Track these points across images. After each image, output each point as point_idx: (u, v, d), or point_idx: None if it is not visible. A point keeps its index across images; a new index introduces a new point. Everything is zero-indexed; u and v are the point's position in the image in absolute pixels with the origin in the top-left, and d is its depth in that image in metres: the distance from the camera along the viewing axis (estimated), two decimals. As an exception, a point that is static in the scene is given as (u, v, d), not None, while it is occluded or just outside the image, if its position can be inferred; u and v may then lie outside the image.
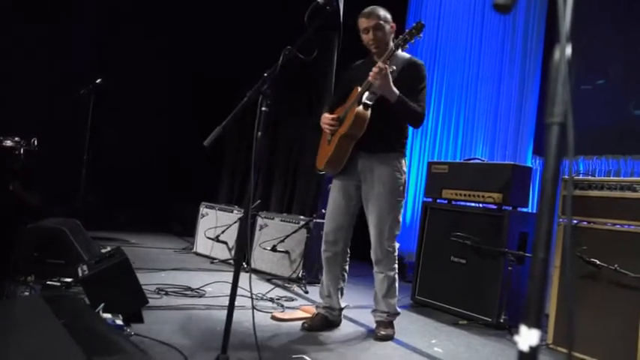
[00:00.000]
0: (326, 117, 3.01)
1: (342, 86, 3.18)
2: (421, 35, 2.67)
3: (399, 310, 3.05)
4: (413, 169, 5.72)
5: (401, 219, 2.99)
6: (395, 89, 2.75)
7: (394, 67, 2.84)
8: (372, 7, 2.92)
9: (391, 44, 2.89)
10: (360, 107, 2.79)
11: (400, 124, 2.98)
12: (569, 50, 0.86)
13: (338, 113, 3.01)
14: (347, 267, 3.13)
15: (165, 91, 6.71)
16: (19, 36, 5.56)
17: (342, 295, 3.11)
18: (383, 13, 2.90)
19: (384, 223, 2.89)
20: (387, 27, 2.91)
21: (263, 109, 2.11)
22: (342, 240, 3.03)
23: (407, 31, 2.69)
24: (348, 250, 3.10)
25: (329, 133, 2.99)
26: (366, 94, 2.80)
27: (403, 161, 2.99)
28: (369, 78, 2.72)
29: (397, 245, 2.99)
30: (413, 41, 2.69)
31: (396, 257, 2.99)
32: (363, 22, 2.90)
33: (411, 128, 3.09)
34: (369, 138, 2.81)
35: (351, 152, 2.90)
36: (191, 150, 4.59)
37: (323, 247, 3.07)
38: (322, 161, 3.03)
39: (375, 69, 2.70)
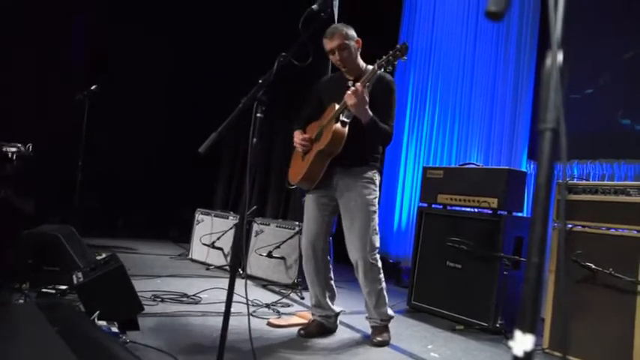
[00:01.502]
0: (298, 136, 3.01)
1: (312, 101, 3.16)
2: (405, 58, 2.64)
3: (392, 313, 3.05)
4: (408, 174, 5.73)
5: (378, 231, 2.97)
6: (369, 111, 2.74)
7: (367, 83, 2.84)
8: (334, 26, 2.90)
9: (362, 63, 2.94)
10: (338, 124, 2.78)
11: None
12: (560, 57, 0.87)
13: (312, 129, 3.01)
14: (332, 274, 3.12)
15: (161, 96, 6.72)
16: (14, 37, 5.55)
17: (333, 300, 3.11)
18: (345, 30, 2.87)
19: (364, 236, 2.87)
20: (352, 44, 2.88)
21: (258, 115, 2.11)
22: (320, 249, 3.02)
23: (390, 52, 2.65)
24: (329, 258, 3.10)
25: (301, 152, 3.00)
26: (345, 111, 2.80)
27: (377, 175, 3.00)
28: (346, 98, 2.71)
29: (378, 257, 2.97)
30: (396, 63, 2.67)
31: (380, 268, 2.97)
32: (327, 44, 2.87)
33: (395, 127, 3.06)
34: (344, 153, 2.80)
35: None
36: (187, 156, 4.59)
37: (304, 260, 3.06)
38: (296, 177, 3.00)
39: (351, 89, 2.69)
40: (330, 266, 3.11)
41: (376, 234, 2.93)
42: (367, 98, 2.74)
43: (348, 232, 2.93)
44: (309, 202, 3.06)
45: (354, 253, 2.92)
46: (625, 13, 4.00)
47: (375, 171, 2.99)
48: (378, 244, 2.94)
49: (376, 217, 2.95)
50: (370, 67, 2.84)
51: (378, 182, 3.00)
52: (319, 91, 3.14)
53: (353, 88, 2.70)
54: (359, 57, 2.96)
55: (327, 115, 2.92)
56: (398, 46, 2.65)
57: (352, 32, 2.91)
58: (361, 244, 2.88)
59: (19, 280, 3.09)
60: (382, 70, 2.72)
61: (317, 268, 3.03)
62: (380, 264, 2.97)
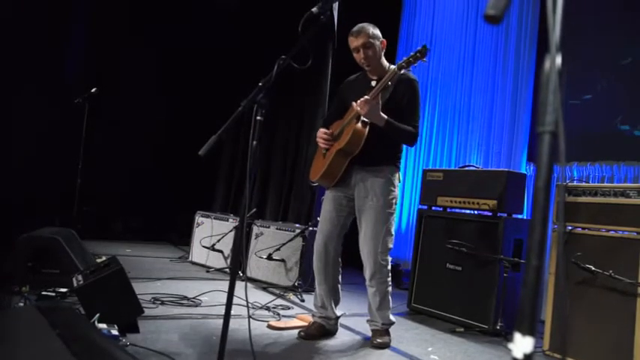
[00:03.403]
0: (321, 132, 3.04)
1: (337, 101, 3.20)
2: (426, 59, 2.67)
3: (393, 319, 3.05)
4: (408, 176, 5.73)
5: (394, 232, 2.99)
6: (383, 115, 2.77)
7: (389, 82, 2.85)
8: (360, 25, 2.92)
9: (385, 63, 2.96)
10: (359, 124, 2.81)
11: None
12: (559, 60, 0.87)
13: (334, 129, 3.04)
14: (340, 277, 3.12)
15: (161, 98, 6.71)
16: (13, 39, 5.55)
17: (337, 305, 3.10)
18: (372, 30, 2.90)
19: (378, 236, 2.89)
20: (377, 43, 2.91)
21: (258, 118, 2.12)
22: (333, 250, 3.03)
23: (411, 54, 2.68)
24: (340, 260, 3.10)
25: (323, 147, 3.02)
26: None
27: (397, 175, 3.01)
28: (357, 108, 2.75)
29: (390, 259, 2.99)
30: (416, 64, 2.70)
31: (389, 271, 2.98)
32: (352, 41, 2.91)
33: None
34: (364, 152, 2.83)
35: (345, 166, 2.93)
36: (187, 158, 4.59)
37: (315, 258, 3.07)
38: (316, 174, 3.03)
39: (361, 101, 2.73)
40: (340, 269, 3.12)
41: (390, 235, 2.94)
42: (380, 102, 2.77)
43: (362, 231, 2.95)
44: (328, 200, 3.07)
45: (365, 252, 2.94)
46: (623, 18, 4.01)
47: (395, 171, 2.99)
48: (390, 246, 2.96)
49: (392, 218, 2.96)
50: (393, 67, 2.88)
51: (397, 182, 3.01)
52: (343, 91, 3.16)
53: (362, 99, 2.74)
54: (383, 57, 2.98)
55: (348, 115, 2.95)
56: (418, 48, 2.67)
57: (378, 32, 2.93)
58: (373, 244, 2.89)
59: (19, 283, 3.09)
60: (402, 71, 2.76)
61: (327, 268, 3.03)
62: (389, 267, 2.98)
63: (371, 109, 2.73)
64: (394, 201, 2.96)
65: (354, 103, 2.83)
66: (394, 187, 2.97)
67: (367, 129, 2.81)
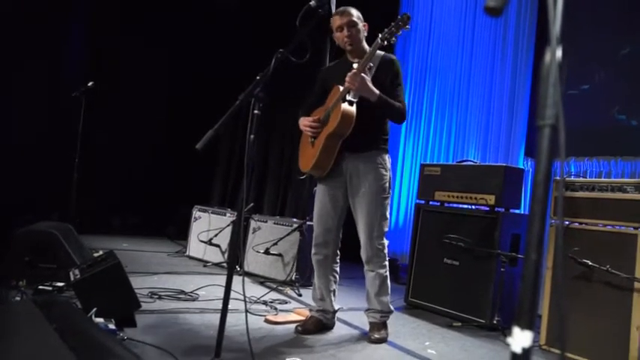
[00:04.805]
0: (306, 120, 3.00)
1: (317, 88, 3.16)
2: (408, 27, 2.65)
3: (392, 308, 3.05)
4: (406, 171, 5.73)
5: (388, 216, 2.99)
6: (374, 89, 2.76)
7: (372, 64, 2.84)
8: (344, 6, 2.92)
9: (366, 46, 2.93)
10: (346, 104, 2.77)
11: (381, 122, 2.98)
12: (559, 53, 0.86)
13: (317, 114, 3.01)
14: (337, 268, 3.13)
15: (158, 93, 6.69)
16: (13, 37, 5.52)
17: (334, 296, 3.11)
18: (356, 11, 2.92)
19: (372, 221, 2.89)
20: (360, 24, 2.92)
21: (255, 112, 2.11)
22: (331, 242, 3.03)
23: (393, 24, 2.65)
24: (338, 252, 3.10)
25: (311, 135, 2.99)
26: (351, 91, 2.79)
27: (387, 158, 2.99)
28: (347, 84, 2.73)
29: (386, 242, 2.99)
30: (400, 33, 2.68)
31: (387, 255, 2.99)
32: (336, 20, 2.90)
33: (392, 125, 3.08)
34: (352, 137, 2.80)
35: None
36: (184, 153, 4.58)
37: (313, 251, 3.06)
38: (307, 164, 2.98)
39: (350, 74, 2.71)
40: (338, 260, 3.12)
41: (385, 219, 2.94)
42: (369, 76, 2.75)
43: (358, 218, 2.94)
44: (321, 193, 3.05)
45: (361, 238, 2.94)
46: (621, 9, 4.00)
47: (385, 154, 2.98)
48: (386, 229, 2.95)
49: (387, 202, 2.95)
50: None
51: (389, 165, 2.99)
52: (323, 78, 3.14)
53: (351, 73, 2.71)
54: (364, 41, 2.97)
55: (332, 98, 2.91)
56: (399, 17, 2.65)
57: (360, 15, 2.94)
58: (369, 229, 2.89)
59: (16, 278, 3.08)
60: (386, 42, 2.72)
61: (325, 261, 3.04)
62: (386, 251, 2.98)
63: (362, 82, 2.70)
64: (387, 185, 2.95)
65: (340, 87, 2.80)
66: (386, 171, 2.95)
67: (354, 108, 2.78)
